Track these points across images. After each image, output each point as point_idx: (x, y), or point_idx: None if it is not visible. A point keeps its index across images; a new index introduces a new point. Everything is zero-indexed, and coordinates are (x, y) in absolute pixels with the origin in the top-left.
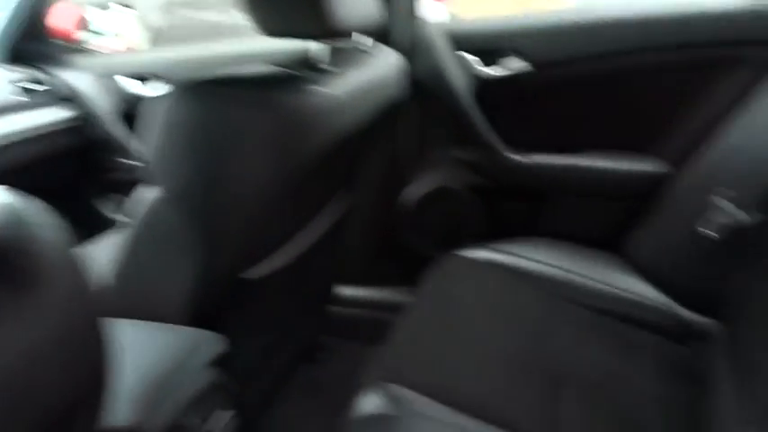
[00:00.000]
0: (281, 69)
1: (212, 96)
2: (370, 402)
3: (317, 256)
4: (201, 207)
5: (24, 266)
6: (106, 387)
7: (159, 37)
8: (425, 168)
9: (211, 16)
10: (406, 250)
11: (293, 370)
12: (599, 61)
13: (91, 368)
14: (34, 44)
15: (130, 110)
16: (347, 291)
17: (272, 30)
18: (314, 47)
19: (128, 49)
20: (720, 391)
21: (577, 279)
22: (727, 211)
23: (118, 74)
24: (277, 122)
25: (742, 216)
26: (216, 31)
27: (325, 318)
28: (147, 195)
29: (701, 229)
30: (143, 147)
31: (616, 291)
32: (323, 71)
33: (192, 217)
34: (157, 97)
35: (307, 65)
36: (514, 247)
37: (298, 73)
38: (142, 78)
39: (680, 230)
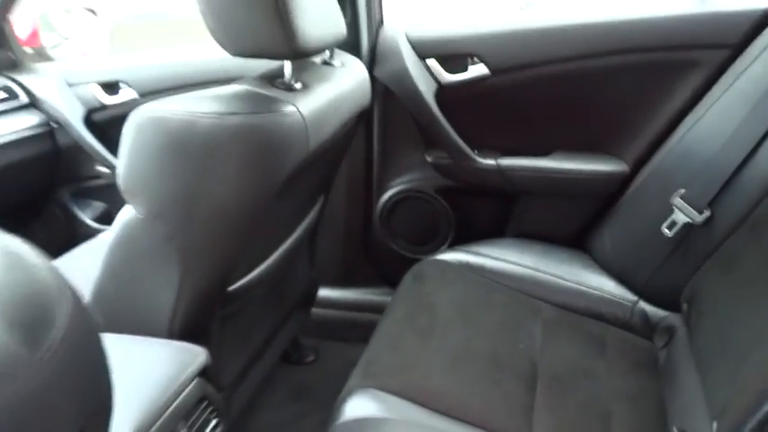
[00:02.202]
0: (253, 89)
1: (184, 117)
2: (353, 407)
3: (297, 260)
4: (178, 225)
5: (35, 312)
6: (111, 408)
7: (121, 36)
8: (396, 172)
9: (174, 13)
10: (384, 252)
11: (279, 373)
12: (555, 65)
13: (98, 392)
14: None
15: (96, 116)
16: (328, 293)
17: (237, 49)
18: (283, 65)
19: (91, 53)
20: (684, 385)
21: (546, 277)
22: (682, 209)
23: (80, 81)
24: (251, 143)
25: (694, 214)
26: (179, 29)
27: (308, 320)
28: (122, 213)
29: (660, 227)
30: (118, 164)
31: (584, 288)
32: (292, 89)
33: (169, 234)
34: (133, 118)
35: (278, 83)
36: (485, 249)
37: (269, 93)
38: (107, 85)
39: (641, 228)
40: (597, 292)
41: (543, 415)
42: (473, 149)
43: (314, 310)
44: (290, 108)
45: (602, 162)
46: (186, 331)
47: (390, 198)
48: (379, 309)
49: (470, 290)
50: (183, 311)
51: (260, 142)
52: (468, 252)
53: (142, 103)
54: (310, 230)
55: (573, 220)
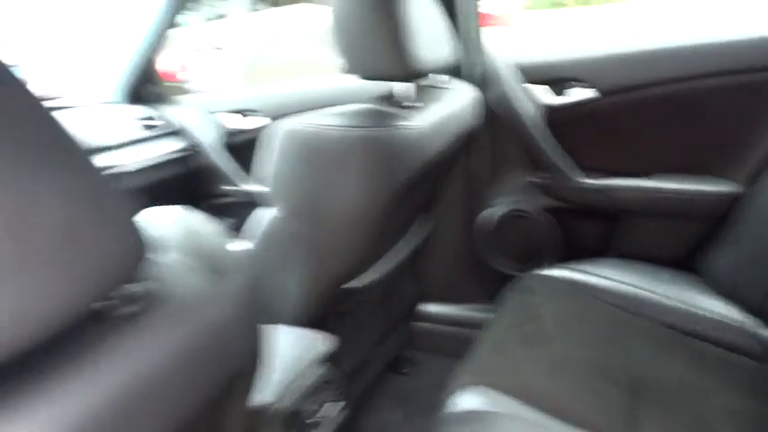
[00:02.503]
0: (373, 107)
1: (315, 129)
2: (461, 400)
3: (402, 274)
4: (310, 226)
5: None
6: (261, 366)
7: (249, 73)
8: (501, 191)
9: (296, 53)
10: (485, 269)
11: (383, 380)
12: (663, 86)
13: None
14: (148, 86)
15: (231, 141)
16: (430, 307)
17: (363, 72)
18: (399, 86)
19: (223, 86)
20: None
21: (654, 297)
22: None
23: (217, 110)
24: (371, 155)
25: None
26: (300, 67)
27: (411, 333)
28: (265, 215)
29: None
30: (261, 174)
31: (693, 309)
32: (408, 107)
33: (302, 232)
34: (270, 132)
35: (394, 102)
36: (590, 267)
37: (387, 109)
38: (240, 112)
39: (756, 249)
40: (707, 314)
41: (646, 426)
42: (578, 170)
43: (415, 323)
44: (406, 123)
45: (710, 182)
46: (308, 321)
47: (494, 216)
48: (478, 325)
49: (575, 304)
50: (306, 302)
51: (380, 153)
52: (572, 269)
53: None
54: (415, 245)
55: (679, 241)
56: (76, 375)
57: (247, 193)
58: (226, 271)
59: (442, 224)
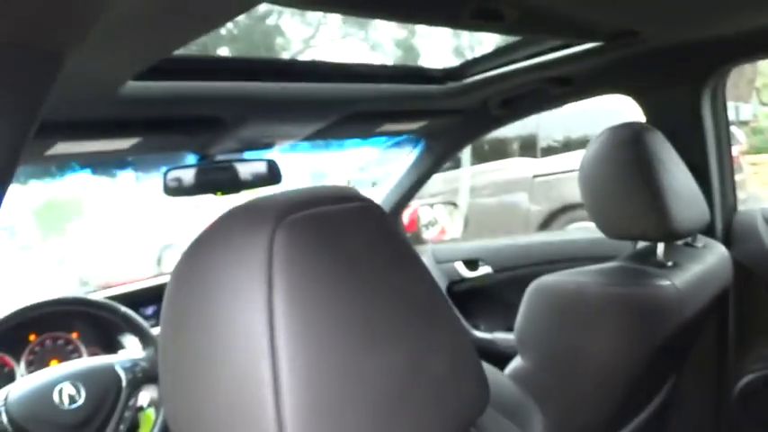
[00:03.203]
0: (631, 266)
1: (575, 286)
2: None
3: None
4: (558, 378)
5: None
6: None
7: (469, 221)
8: (758, 356)
9: (506, 202)
10: None
11: None
12: None
13: None
14: None
15: (455, 288)
16: None
17: (616, 233)
18: (656, 245)
19: (451, 237)
20: None
21: None
22: None
23: (446, 258)
24: (629, 314)
25: None
26: (508, 213)
27: None
28: (513, 362)
29: None
30: (519, 325)
31: None
32: (665, 267)
33: (551, 383)
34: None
35: (651, 261)
36: None
37: (646, 269)
38: (469, 262)
39: None
40: None
41: None
42: None
43: None
44: (666, 283)
45: None
46: None
47: (751, 384)
48: None
49: None
50: None
51: (639, 312)
52: None
53: (496, 278)
54: (660, 408)
55: None
56: None
57: (477, 339)
58: (524, 419)
59: (692, 388)
